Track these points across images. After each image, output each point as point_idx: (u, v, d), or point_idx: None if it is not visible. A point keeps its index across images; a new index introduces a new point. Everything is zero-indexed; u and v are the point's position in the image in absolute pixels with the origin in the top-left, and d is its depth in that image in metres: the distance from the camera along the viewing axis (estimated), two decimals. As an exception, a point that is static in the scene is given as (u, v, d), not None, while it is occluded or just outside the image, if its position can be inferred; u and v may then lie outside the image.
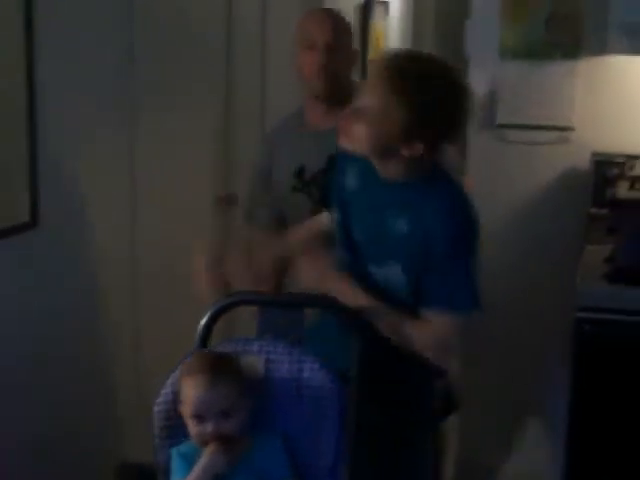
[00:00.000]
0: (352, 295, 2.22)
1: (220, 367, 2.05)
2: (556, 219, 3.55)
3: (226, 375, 2.04)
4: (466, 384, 3.32)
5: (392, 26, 6.34)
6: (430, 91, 2.11)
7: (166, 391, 2.12)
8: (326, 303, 2.24)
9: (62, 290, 3.02)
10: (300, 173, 2.84)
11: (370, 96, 2.15)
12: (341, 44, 2.80)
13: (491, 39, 3.57)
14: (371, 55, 5.43)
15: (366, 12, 5.34)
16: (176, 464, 2.06)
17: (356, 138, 2.19)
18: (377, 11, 5.68)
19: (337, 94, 2.80)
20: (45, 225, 2.89)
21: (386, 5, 6.07)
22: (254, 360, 2.13)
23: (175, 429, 2.11)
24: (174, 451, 2.08)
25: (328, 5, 4.34)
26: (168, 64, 3.42)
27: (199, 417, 2.02)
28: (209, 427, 2.02)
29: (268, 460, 2.06)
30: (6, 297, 2.77)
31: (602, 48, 3.43)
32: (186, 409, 2.04)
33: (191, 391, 2.02)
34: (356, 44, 3.01)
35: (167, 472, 2.09)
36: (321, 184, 2.79)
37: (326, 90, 2.82)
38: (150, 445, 3.07)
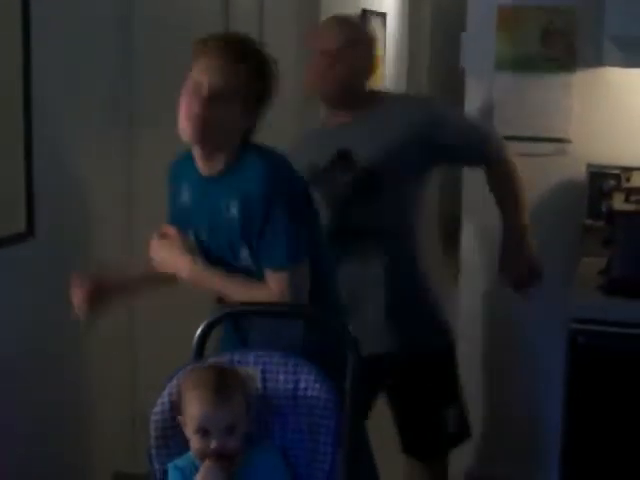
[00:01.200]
0: (205, 274, 2.37)
1: (227, 383, 2.05)
2: (552, 231, 3.55)
3: (233, 391, 2.04)
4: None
5: (389, 38, 6.36)
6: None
7: (163, 400, 2.12)
8: (324, 316, 2.27)
9: (58, 301, 3.01)
10: (314, 169, 2.87)
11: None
12: (351, 48, 2.84)
13: (487, 52, 3.58)
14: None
15: (363, 20, 5.36)
16: (173, 478, 2.06)
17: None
18: (374, 23, 5.70)
19: (343, 101, 2.88)
20: (41, 235, 2.89)
21: (383, 17, 6.09)
22: (250, 371, 2.14)
23: (171, 439, 2.11)
24: (171, 465, 2.07)
25: (324, 12, 4.36)
26: (166, 67, 3.42)
27: (204, 432, 2.01)
28: (214, 443, 2.00)
29: (267, 473, 2.06)
30: (1, 307, 2.77)
31: (598, 61, 3.44)
32: (190, 423, 2.03)
33: (197, 406, 2.01)
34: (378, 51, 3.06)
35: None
36: (327, 177, 2.86)
37: (327, 96, 2.89)
38: (141, 457, 3.08)
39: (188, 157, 2.45)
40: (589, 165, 3.53)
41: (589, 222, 3.52)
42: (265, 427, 2.12)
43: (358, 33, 2.93)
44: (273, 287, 2.32)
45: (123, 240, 3.37)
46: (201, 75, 2.31)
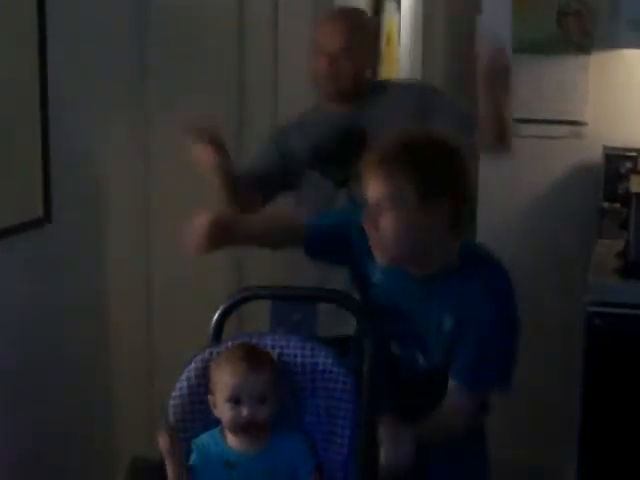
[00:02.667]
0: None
1: (258, 354, 2.10)
2: (568, 213, 3.55)
3: (264, 362, 2.08)
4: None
5: (404, 21, 6.33)
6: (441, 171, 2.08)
7: (181, 385, 2.13)
8: (339, 298, 2.26)
9: (75, 286, 3.03)
10: (316, 150, 2.85)
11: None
12: (353, 47, 2.81)
13: (504, 34, 3.56)
14: (384, 52, 5.42)
15: (377, 7, 5.33)
16: (194, 454, 2.08)
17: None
18: (389, 6, 5.67)
19: (350, 94, 2.85)
20: (58, 221, 2.90)
21: (398, 1, 6.05)
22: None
23: (190, 423, 2.12)
24: (195, 441, 2.10)
25: (339, 1, 4.34)
26: (181, 62, 3.42)
27: (236, 400, 2.03)
28: (245, 411, 2.03)
29: (292, 457, 2.07)
30: (18, 292, 2.78)
31: (614, 43, 3.42)
32: (221, 394, 2.05)
33: (230, 377, 2.04)
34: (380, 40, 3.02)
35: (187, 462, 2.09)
36: (338, 162, 2.82)
37: (336, 93, 2.86)
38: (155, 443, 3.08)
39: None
40: (605, 147, 3.51)
41: (606, 205, 3.51)
42: (283, 411, 2.12)
43: (358, 29, 2.88)
44: (456, 402, 2.18)
45: (139, 226, 3.37)
46: None
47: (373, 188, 2.07)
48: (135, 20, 3.28)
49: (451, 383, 2.18)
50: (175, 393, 2.13)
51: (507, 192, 3.55)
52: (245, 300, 2.31)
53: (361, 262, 2.26)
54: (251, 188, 2.86)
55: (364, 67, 2.88)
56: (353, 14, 2.96)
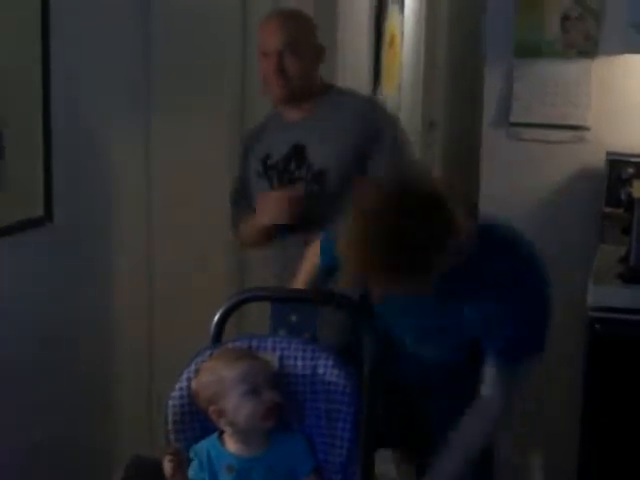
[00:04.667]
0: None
1: (243, 350, 2.15)
2: (570, 218, 3.54)
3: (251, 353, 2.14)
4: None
5: (407, 23, 6.33)
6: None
7: (181, 385, 2.13)
8: (338, 300, 2.26)
9: (76, 285, 3.03)
10: (265, 159, 2.88)
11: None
12: (297, 41, 2.79)
13: (506, 38, 3.56)
14: (385, 55, 5.41)
15: (381, 9, 5.32)
16: (195, 462, 2.09)
17: None
18: (392, 8, 5.67)
19: (298, 94, 2.83)
20: (60, 220, 2.90)
21: (401, 2, 6.05)
22: (268, 357, 2.14)
23: (189, 424, 2.12)
24: (191, 450, 2.10)
25: (342, 5, 4.34)
26: (184, 62, 3.43)
27: (254, 391, 2.03)
28: (265, 395, 2.04)
29: (294, 458, 2.06)
30: (19, 290, 2.78)
31: (618, 47, 3.42)
32: (231, 395, 2.04)
33: (240, 371, 2.05)
34: (325, 38, 2.97)
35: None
36: (280, 170, 2.85)
37: (283, 94, 2.83)
38: (160, 441, 3.08)
39: None
40: (608, 153, 3.50)
41: (608, 210, 3.50)
42: (283, 412, 2.12)
43: (299, 25, 2.85)
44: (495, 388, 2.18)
45: (140, 225, 3.37)
46: None
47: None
48: (140, 20, 3.28)
49: (490, 367, 2.15)
50: (174, 394, 2.13)
51: (508, 196, 3.53)
52: (245, 301, 2.32)
53: None
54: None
55: (310, 64, 2.84)
56: (290, 13, 2.95)
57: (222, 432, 2.10)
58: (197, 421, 2.13)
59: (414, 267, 1.89)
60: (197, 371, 2.11)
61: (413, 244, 1.86)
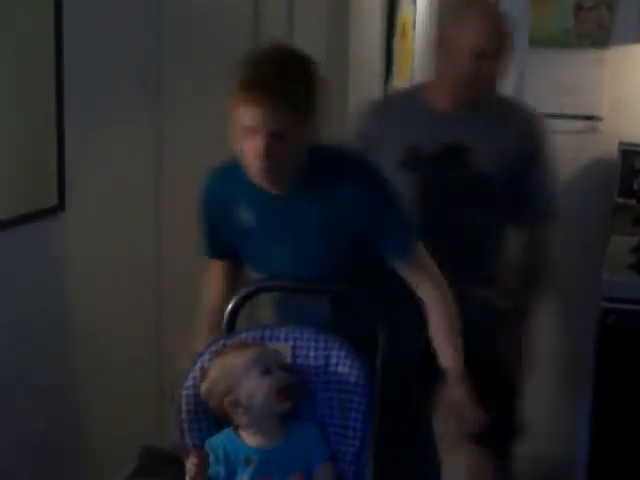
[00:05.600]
0: None
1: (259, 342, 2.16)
2: (583, 209, 3.54)
3: None
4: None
5: (420, 13, 6.30)
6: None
7: (194, 375, 2.13)
8: (352, 291, 2.26)
9: (88, 275, 3.03)
10: (411, 150, 2.71)
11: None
12: (501, 49, 2.67)
13: (520, 27, 3.55)
14: (397, 45, 5.39)
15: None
16: (211, 457, 2.08)
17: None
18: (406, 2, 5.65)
19: (476, 101, 2.70)
20: (72, 210, 2.90)
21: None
22: (281, 347, 2.14)
23: (203, 414, 2.12)
24: (207, 444, 2.09)
25: (353, 8, 4.33)
26: (197, 48, 3.42)
27: (266, 371, 2.05)
28: (278, 374, 2.05)
29: (305, 445, 2.07)
30: (32, 280, 2.79)
31: (631, 37, 3.41)
32: (246, 379, 2.04)
33: (249, 357, 2.06)
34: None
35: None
36: (431, 168, 2.71)
37: (470, 98, 2.69)
38: (170, 431, 3.08)
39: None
40: (621, 143, 3.50)
41: (620, 200, 3.50)
42: (297, 399, 2.12)
43: (504, 30, 2.71)
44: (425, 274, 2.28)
45: (150, 214, 3.37)
46: None
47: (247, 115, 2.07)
48: (151, 19, 3.27)
49: (401, 264, 2.26)
50: (188, 383, 2.13)
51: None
52: (258, 291, 2.31)
53: (233, 220, 2.31)
54: None
55: (501, 72, 2.72)
56: (497, 14, 2.80)
57: (237, 427, 2.09)
58: (210, 409, 2.13)
59: (295, 92, 2.05)
60: (203, 375, 2.11)
61: (294, 74, 2.08)
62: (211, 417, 2.11)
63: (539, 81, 3.55)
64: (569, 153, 3.56)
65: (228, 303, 2.31)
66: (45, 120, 2.78)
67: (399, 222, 2.27)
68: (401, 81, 6.37)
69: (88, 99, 2.94)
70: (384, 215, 2.24)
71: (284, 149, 2.08)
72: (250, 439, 2.07)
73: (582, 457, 3.12)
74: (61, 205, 2.88)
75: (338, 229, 2.23)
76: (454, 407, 2.29)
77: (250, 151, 2.10)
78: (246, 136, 2.09)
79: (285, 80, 2.07)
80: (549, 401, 3.70)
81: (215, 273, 2.48)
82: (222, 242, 2.40)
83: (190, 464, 2.04)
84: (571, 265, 3.49)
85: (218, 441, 2.09)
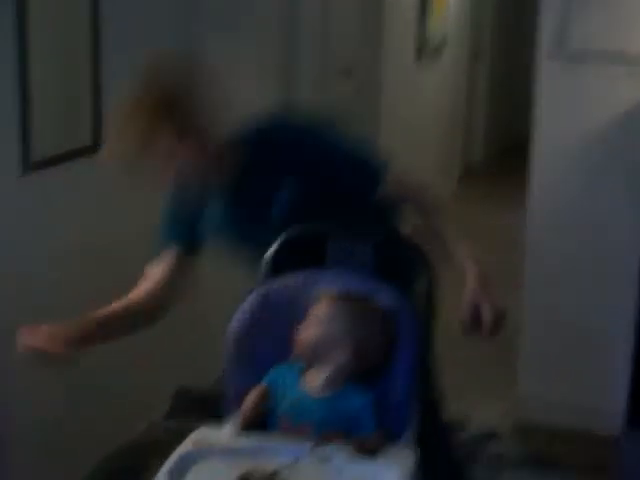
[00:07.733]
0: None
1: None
2: (627, 154, 3.43)
3: None
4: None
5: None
6: None
7: (241, 317, 2.08)
8: (395, 237, 2.27)
9: (123, 213, 3.02)
10: None
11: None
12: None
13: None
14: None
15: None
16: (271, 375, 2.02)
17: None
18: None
19: None
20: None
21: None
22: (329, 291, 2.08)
23: (247, 356, 2.06)
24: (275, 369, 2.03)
25: None
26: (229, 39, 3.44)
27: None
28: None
29: (353, 411, 1.97)
30: (68, 218, 2.82)
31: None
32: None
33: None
34: None
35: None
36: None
37: None
38: (204, 373, 3.06)
39: None
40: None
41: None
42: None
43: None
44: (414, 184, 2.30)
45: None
46: None
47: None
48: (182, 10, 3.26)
49: (387, 187, 2.25)
50: (234, 325, 2.07)
51: (562, 133, 3.43)
52: (302, 234, 2.24)
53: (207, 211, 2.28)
54: None
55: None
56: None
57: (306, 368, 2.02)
58: (256, 353, 2.07)
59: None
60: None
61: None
62: (255, 359, 2.05)
63: (585, 19, 3.38)
64: (614, 98, 3.41)
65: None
66: (81, 61, 2.77)
67: (357, 152, 2.26)
68: (437, 24, 6.30)
69: (124, 41, 2.97)
70: (337, 156, 2.23)
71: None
72: (308, 380, 1.99)
73: (621, 403, 3.08)
74: (95, 145, 2.87)
75: (307, 189, 2.22)
76: (472, 309, 2.18)
77: None
78: None
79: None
80: (593, 349, 3.62)
81: (160, 270, 2.35)
82: (198, 235, 2.35)
83: (252, 396, 1.97)
84: (612, 209, 3.39)
85: (281, 371, 2.02)
